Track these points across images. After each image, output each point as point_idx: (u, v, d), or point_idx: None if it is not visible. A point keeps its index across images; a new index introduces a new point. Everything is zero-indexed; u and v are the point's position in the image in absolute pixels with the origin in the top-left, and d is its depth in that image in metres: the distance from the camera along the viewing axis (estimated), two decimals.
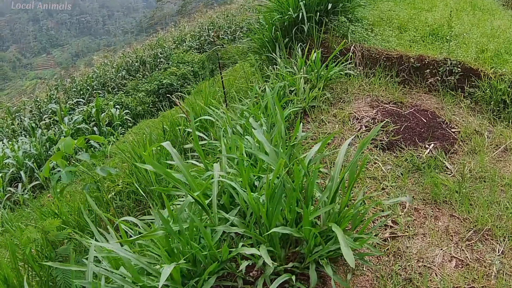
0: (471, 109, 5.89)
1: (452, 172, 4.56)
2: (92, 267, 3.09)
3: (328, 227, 3.25)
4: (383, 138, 4.91)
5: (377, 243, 3.61)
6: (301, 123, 5.33)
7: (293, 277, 3.06)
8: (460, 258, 3.65)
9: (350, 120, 5.28)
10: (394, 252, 3.67)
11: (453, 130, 5.30)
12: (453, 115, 5.63)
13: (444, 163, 4.65)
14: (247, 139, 4.31)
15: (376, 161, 4.62)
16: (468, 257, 3.66)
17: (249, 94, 6.37)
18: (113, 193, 5.85)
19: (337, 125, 5.18)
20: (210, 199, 3.61)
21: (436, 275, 3.51)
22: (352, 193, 4.19)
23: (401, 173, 4.47)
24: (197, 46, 23.48)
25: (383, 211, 4.04)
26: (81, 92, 21.17)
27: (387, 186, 4.30)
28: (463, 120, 5.54)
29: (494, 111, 5.80)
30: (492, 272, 3.51)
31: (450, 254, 3.69)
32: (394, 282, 3.42)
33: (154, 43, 25.27)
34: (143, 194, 4.26)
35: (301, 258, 3.38)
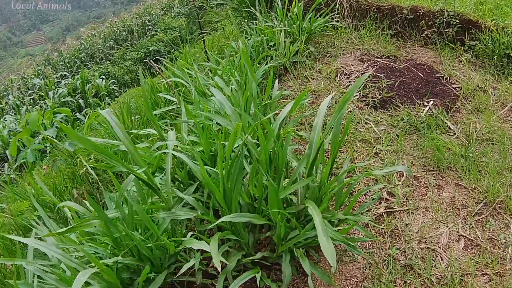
0: (472, 64, 5.04)
1: (455, 133, 3.75)
2: (27, 266, 2.35)
3: (306, 207, 2.46)
4: (375, 95, 4.07)
5: (370, 221, 2.81)
6: (281, 80, 4.49)
7: (259, 275, 2.27)
8: (470, 237, 2.89)
9: (337, 76, 4.43)
10: (390, 231, 2.89)
11: (453, 86, 4.47)
12: (453, 69, 4.78)
13: (446, 123, 3.83)
14: (212, 100, 3.47)
15: (368, 121, 3.80)
16: (479, 236, 2.89)
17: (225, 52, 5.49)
18: (84, 168, 5.06)
19: (322, 82, 4.34)
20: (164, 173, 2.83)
21: (442, 260, 2.75)
22: (339, 159, 3.38)
23: (396, 135, 3.66)
24: (185, 12, 22.24)
25: (376, 180, 3.24)
26: (69, 65, 20.17)
27: (381, 151, 3.49)
28: (464, 76, 4.70)
29: (498, 67, 4.96)
30: (507, 255, 2.76)
31: (458, 232, 2.92)
32: (391, 269, 2.64)
33: (142, 11, 24.08)
34: (94, 174, 3.43)
35: (275, 244, 2.59)
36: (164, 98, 5.06)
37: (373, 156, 3.42)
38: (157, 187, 2.65)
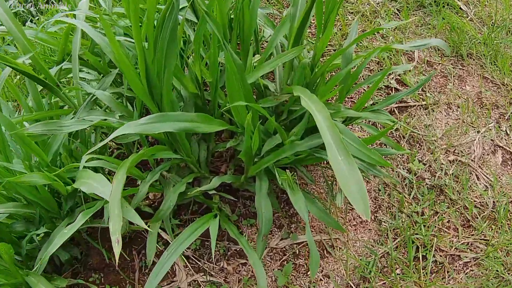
0: None
1: (468, 15, 2.62)
2: None
3: (294, 97, 1.32)
4: None
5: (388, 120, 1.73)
6: None
7: (214, 225, 1.16)
8: (508, 149, 1.89)
9: None
10: (408, 136, 1.82)
11: None
12: None
13: (456, 2, 2.68)
14: None
15: None
16: None
17: None
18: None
19: None
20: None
21: (479, 179, 1.74)
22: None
23: (397, 10, 2.48)
24: None
25: (378, 63, 2.11)
26: None
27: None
28: None
29: None
30: None
31: (492, 141, 1.90)
32: (416, 193, 1.61)
33: None
34: None
35: (242, 161, 1.47)
36: None
37: (373, 32, 2.27)
38: (54, 82, 1.43)
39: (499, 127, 1.97)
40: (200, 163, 1.40)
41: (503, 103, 2.07)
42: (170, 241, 1.41)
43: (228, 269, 1.38)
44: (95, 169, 1.38)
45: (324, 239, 1.47)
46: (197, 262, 1.42)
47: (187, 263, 1.41)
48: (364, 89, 2.03)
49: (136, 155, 1.03)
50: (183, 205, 1.50)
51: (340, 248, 1.46)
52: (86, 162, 1.16)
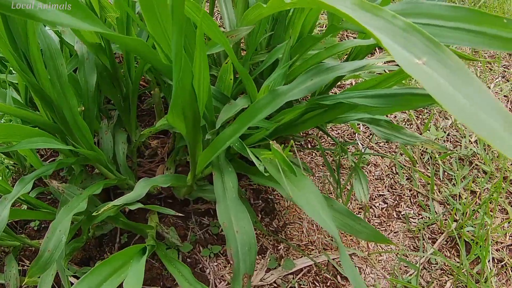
0: None
1: None
2: None
3: (258, 36, 0.75)
4: None
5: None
6: None
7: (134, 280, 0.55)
8: None
9: None
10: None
11: None
12: None
13: None
14: None
15: None
16: None
17: None
18: None
19: None
20: None
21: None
22: None
23: None
24: None
25: None
26: None
27: None
28: None
29: None
30: None
31: (506, 96, 1.44)
32: (444, 170, 1.07)
33: None
34: None
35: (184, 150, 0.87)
36: None
37: None
38: None
39: (507, 81, 1.50)
40: (118, 165, 0.80)
41: (504, 54, 1.61)
42: None
43: None
44: None
45: (333, 258, 0.90)
46: None
47: None
48: None
49: None
50: (106, 234, 0.89)
51: (359, 268, 0.89)
52: None
